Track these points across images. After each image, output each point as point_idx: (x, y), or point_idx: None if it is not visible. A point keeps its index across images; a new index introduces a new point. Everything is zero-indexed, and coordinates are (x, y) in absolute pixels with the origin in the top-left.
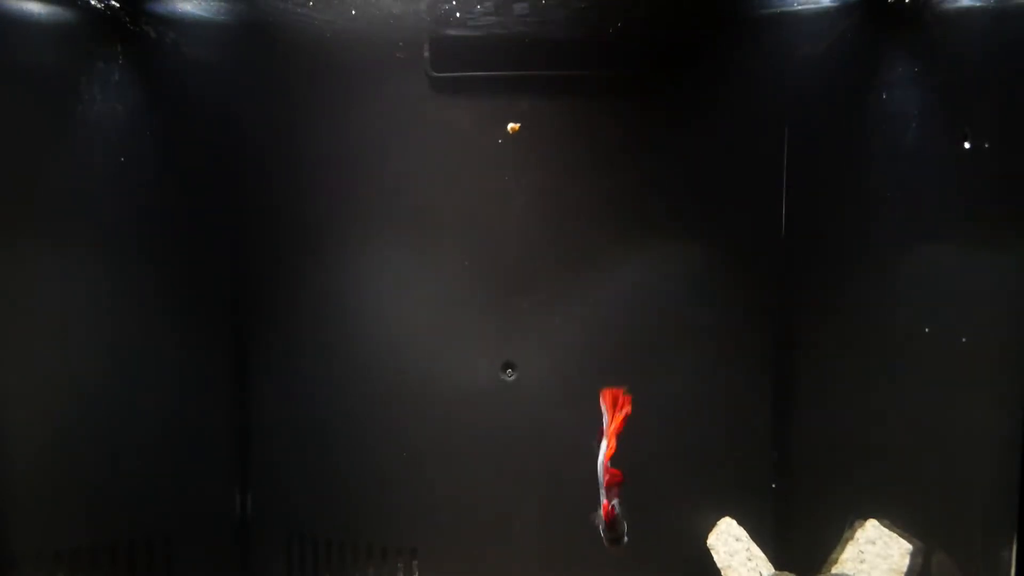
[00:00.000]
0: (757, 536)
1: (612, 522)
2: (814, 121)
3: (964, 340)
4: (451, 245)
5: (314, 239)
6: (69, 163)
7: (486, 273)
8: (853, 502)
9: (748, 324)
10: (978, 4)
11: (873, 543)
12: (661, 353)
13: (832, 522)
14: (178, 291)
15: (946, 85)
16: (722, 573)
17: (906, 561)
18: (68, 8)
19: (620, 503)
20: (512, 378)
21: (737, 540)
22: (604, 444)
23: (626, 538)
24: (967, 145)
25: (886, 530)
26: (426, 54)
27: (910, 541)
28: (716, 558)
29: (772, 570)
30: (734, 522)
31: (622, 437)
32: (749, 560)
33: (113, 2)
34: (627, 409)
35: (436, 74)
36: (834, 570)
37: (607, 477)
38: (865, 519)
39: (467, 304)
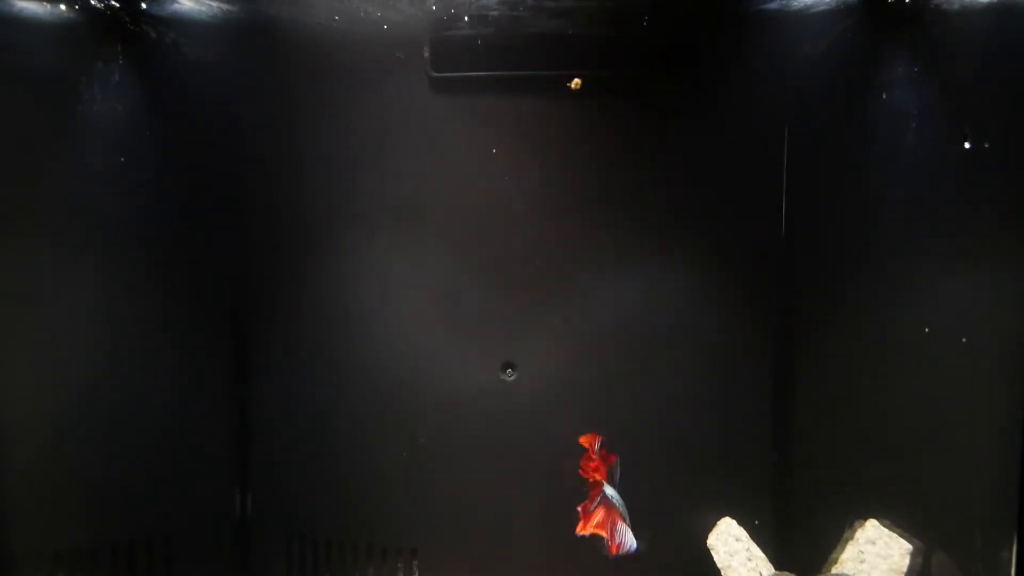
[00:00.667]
0: (757, 536)
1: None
2: (814, 121)
3: (964, 340)
4: (451, 245)
5: (314, 239)
6: (69, 163)
7: (486, 273)
8: (853, 502)
9: (748, 324)
10: (978, 4)
11: (873, 543)
12: (661, 353)
13: (832, 522)
14: (178, 291)
15: (946, 85)
16: (722, 573)
17: (906, 561)
18: (68, 8)
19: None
20: (512, 378)
21: (737, 540)
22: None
23: (640, 543)
24: (967, 145)
25: (886, 530)
26: (426, 54)
27: (910, 541)
28: (716, 558)
29: (772, 570)
30: (734, 522)
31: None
32: (749, 560)
33: (113, 2)
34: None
35: (436, 74)
36: (834, 570)
37: (596, 475)
38: (865, 519)
39: (467, 304)
